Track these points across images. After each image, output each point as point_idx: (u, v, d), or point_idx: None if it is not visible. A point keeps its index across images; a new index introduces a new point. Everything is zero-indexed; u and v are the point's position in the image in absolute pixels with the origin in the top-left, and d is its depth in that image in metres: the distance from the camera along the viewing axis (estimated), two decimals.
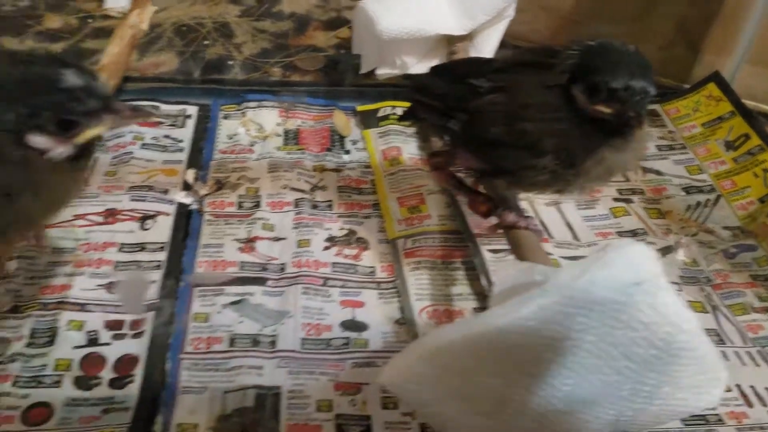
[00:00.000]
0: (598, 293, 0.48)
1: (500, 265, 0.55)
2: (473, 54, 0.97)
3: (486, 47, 1.00)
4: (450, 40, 0.99)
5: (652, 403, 0.54)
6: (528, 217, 0.71)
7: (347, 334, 0.77)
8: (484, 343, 0.49)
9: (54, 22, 1.25)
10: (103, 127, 0.54)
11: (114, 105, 0.54)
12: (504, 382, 0.51)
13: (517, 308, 0.48)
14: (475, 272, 0.83)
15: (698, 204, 0.96)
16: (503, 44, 1.10)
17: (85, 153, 0.56)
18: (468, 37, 0.98)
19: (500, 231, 0.74)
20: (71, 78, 0.51)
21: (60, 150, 0.53)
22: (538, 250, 0.67)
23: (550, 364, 0.50)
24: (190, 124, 1.03)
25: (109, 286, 0.79)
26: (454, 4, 0.94)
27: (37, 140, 0.52)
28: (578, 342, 0.50)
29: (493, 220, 0.73)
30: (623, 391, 0.53)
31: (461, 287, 0.83)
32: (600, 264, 0.48)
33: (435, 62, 1.03)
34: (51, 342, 0.73)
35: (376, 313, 0.80)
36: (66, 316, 0.75)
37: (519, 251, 0.67)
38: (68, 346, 0.73)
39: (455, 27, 0.95)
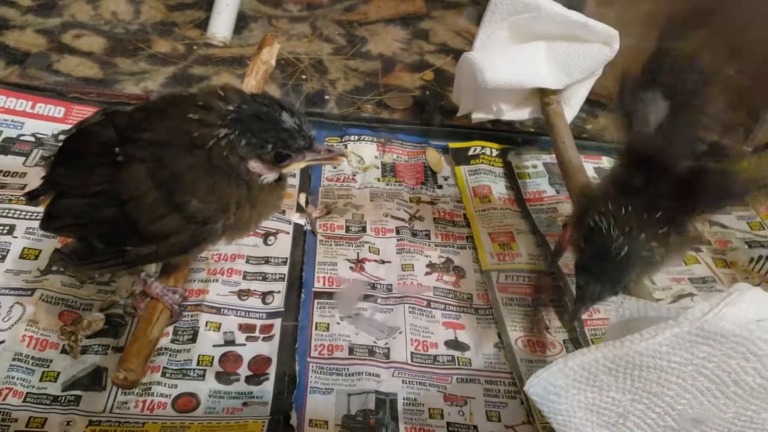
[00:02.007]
0: (723, 326, 0.57)
1: (622, 302, 0.64)
2: (564, 105, 1.07)
3: (574, 101, 1.10)
4: (542, 92, 1.08)
5: (751, 427, 0.62)
6: None
7: (451, 352, 0.86)
8: (622, 363, 0.58)
9: (163, 46, 1.35)
10: (304, 162, 0.65)
11: (315, 145, 0.65)
12: (630, 398, 0.60)
13: (654, 335, 0.57)
14: (564, 308, 0.92)
15: (760, 257, 1.05)
16: None
17: (283, 177, 0.67)
18: (559, 91, 1.08)
19: None
20: (290, 119, 0.62)
21: (270, 175, 0.65)
22: (645, 291, 0.76)
23: (672, 384, 0.59)
24: None
25: (240, 293, 0.88)
26: (554, 62, 1.04)
27: (256, 166, 0.63)
28: (699, 367, 0.58)
29: None
30: (728, 414, 0.61)
31: (552, 321, 0.91)
32: (727, 302, 0.57)
33: (527, 110, 1.13)
34: (193, 339, 0.82)
35: (476, 336, 0.88)
36: (204, 318, 0.84)
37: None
38: (209, 344, 0.82)
39: (552, 82, 1.05)
